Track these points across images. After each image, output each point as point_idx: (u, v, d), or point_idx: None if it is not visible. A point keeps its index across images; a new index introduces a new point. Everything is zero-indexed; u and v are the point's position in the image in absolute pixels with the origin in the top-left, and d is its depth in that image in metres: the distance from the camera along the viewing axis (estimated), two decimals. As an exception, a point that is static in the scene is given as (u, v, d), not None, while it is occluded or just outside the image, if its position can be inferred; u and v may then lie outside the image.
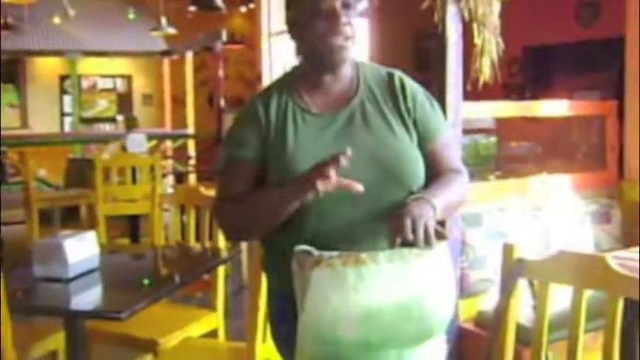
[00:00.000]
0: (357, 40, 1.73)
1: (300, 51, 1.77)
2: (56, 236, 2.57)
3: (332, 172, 1.50)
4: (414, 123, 1.73)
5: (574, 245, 3.37)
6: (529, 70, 7.13)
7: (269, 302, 1.85)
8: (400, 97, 1.74)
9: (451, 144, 1.83)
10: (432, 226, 1.51)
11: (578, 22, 6.79)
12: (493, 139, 6.07)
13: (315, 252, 1.49)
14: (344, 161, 1.49)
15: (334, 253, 1.48)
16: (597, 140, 4.32)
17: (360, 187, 1.52)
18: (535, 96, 6.65)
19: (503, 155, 5.87)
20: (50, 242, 2.52)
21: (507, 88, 6.87)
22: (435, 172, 1.72)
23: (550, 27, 6.74)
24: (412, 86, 1.78)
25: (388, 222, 1.54)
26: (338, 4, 1.66)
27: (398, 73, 1.80)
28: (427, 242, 1.50)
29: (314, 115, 1.71)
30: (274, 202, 1.61)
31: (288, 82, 1.78)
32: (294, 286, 1.55)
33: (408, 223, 1.48)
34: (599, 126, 4.17)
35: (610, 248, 3.56)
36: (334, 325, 1.46)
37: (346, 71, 1.76)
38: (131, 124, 7.41)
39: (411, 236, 1.47)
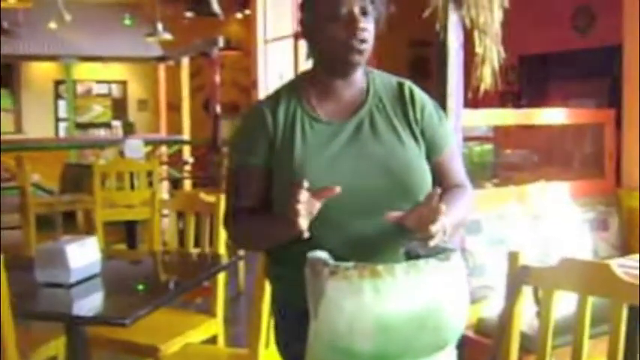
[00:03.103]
0: (371, 48, 1.72)
1: (312, 54, 1.76)
2: (58, 241, 2.56)
3: (303, 209, 1.48)
4: (422, 134, 1.74)
5: (573, 253, 3.38)
6: (525, 79, 7.17)
7: (273, 310, 1.85)
8: (409, 108, 1.75)
9: (457, 155, 1.85)
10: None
11: (574, 31, 6.83)
12: (488, 146, 6.11)
13: (331, 261, 1.48)
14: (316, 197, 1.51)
15: (350, 264, 1.47)
16: (593, 148, 4.35)
17: (337, 189, 1.52)
18: (531, 104, 6.69)
19: (499, 163, 5.91)
20: (52, 247, 2.51)
21: (503, 96, 6.90)
22: (441, 184, 1.72)
23: (546, 36, 6.79)
24: (421, 97, 1.78)
25: (413, 214, 1.52)
26: (357, 9, 1.65)
27: (408, 83, 1.80)
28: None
29: (322, 123, 1.70)
30: (273, 231, 1.63)
31: (296, 88, 1.77)
32: (298, 294, 1.55)
33: (440, 230, 1.48)
34: (595, 134, 4.19)
35: (608, 256, 3.57)
36: (350, 336, 1.46)
37: (357, 78, 1.76)
38: (128, 129, 7.42)
39: (432, 241, 1.48)
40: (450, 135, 1.81)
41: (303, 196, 1.48)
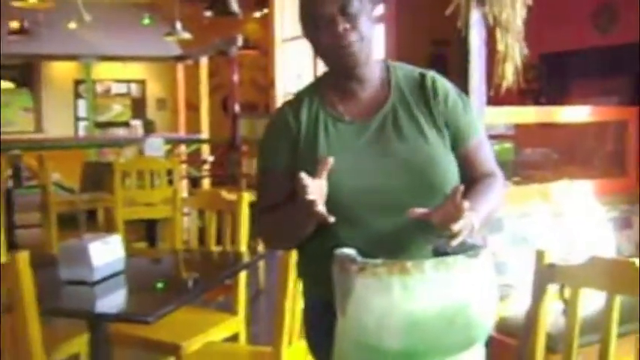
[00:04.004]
0: (371, 43, 1.68)
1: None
2: (81, 239, 2.58)
3: (315, 196, 1.47)
4: (446, 124, 1.71)
5: (596, 251, 3.35)
6: (545, 77, 7.11)
7: (305, 307, 1.84)
8: (432, 98, 1.71)
9: (485, 144, 1.78)
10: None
11: (595, 28, 6.77)
12: (508, 144, 6.07)
13: (359, 258, 1.48)
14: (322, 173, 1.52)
15: (378, 261, 1.47)
16: (614, 146, 4.31)
17: (331, 160, 1.52)
18: (550, 102, 6.64)
19: (520, 161, 5.87)
20: (76, 245, 2.52)
21: (523, 94, 6.85)
22: (470, 175, 1.70)
23: (567, 33, 6.73)
24: (444, 86, 1.75)
25: (438, 211, 1.49)
26: (334, 10, 1.62)
27: (430, 73, 1.76)
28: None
29: (345, 123, 1.70)
30: (294, 220, 1.62)
31: (318, 89, 1.77)
32: (327, 290, 1.54)
33: (461, 228, 1.45)
34: (617, 132, 4.16)
35: (632, 254, 3.55)
36: (378, 334, 1.45)
37: (372, 75, 1.73)
38: (149, 128, 7.46)
39: (455, 240, 1.46)
40: (475, 123, 1.76)
41: (311, 186, 1.47)
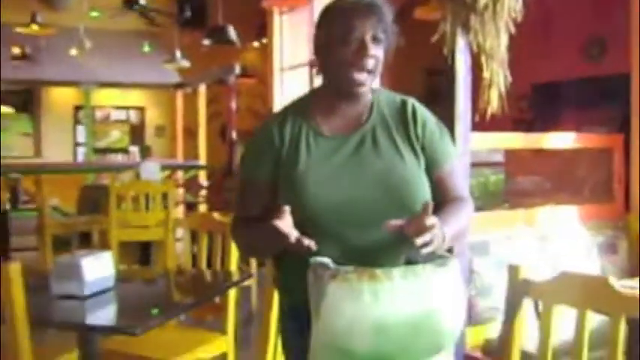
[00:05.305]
0: (378, 73, 1.78)
1: (321, 71, 1.82)
2: (74, 255, 2.63)
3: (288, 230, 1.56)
4: (422, 149, 1.79)
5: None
6: (537, 107, 7.21)
7: (281, 320, 1.90)
8: (411, 124, 1.80)
9: (458, 171, 1.89)
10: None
11: (586, 59, 6.89)
12: (502, 175, 6.14)
13: (332, 265, 1.55)
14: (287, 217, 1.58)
15: (350, 268, 1.54)
16: (603, 174, 4.37)
17: (286, 208, 1.59)
18: (543, 131, 6.73)
19: (511, 189, 5.93)
20: (69, 260, 2.58)
21: (516, 123, 6.95)
22: (441, 199, 1.78)
23: (558, 64, 6.84)
24: (423, 114, 1.84)
25: (412, 222, 1.55)
26: (368, 37, 1.71)
27: (411, 101, 1.86)
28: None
29: (326, 138, 1.77)
30: (266, 239, 1.68)
31: (303, 106, 1.85)
32: (306, 300, 1.60)
33: (429, 237, 1.52)
34: (605, 159, 4.22)
35: (616, 279, 3.58)
36: (348, 336, 1.52)
37: (363, 97, 1.81)
38: (145, 152, 7.54)
39: (426, 249, 1.52)
40: (450, 152, 1.85)
41: (283, 222, 1.57)
